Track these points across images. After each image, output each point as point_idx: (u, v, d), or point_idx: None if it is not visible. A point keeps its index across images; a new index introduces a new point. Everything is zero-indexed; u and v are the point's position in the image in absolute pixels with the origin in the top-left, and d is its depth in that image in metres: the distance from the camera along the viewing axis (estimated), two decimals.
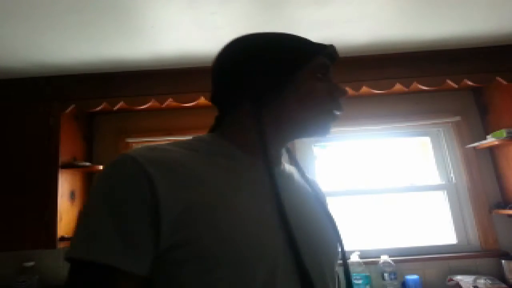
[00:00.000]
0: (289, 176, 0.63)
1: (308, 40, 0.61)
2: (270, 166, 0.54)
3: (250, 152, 0.57)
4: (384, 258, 1.98)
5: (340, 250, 0.61)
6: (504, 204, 2.07)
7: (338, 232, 0.61)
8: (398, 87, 2.00)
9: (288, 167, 0.67)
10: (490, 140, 1.99)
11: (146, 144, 0.55)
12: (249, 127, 0.57)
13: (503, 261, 1.96)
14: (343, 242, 0.61)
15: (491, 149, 2.20)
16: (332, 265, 0.57)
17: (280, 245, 0.47)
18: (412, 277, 1.94)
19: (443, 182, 2.26)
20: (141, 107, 2.03)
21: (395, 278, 1.92)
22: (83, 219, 0.44)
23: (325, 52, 0.60)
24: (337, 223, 0.62)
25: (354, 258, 1.98)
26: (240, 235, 0.45)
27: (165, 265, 0.43)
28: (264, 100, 0.56)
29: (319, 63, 0.59)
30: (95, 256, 0.41)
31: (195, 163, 0.50)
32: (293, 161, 0.69)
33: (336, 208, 2.25)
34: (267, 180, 0.53)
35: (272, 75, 0.56)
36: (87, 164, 2.04)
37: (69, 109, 1.98)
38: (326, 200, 0.72)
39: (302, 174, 0.67)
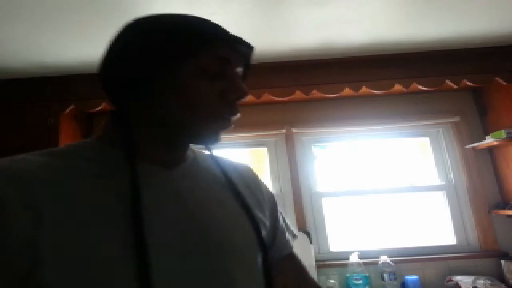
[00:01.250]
0: (195, 175, 0.55)
1: (209, 26, 0.50)
2: (132, 178, 0.45)
3: (119, 156, 0.49)
4: (383, 258, 1.98)
5: (259, 245, 0.53)
6: (503, 205, 2.07)
7: (256, 226, 0.54)
8: (397, 87, 2.00)
9: (206, 161, 0.59)
10: (489, 141, 1.99)
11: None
12: (118, 125, 0.51)
13: (502, 261, 1.97)
14: (261, 236, 0.54)
15: (490, 149, 2.21)
16: (250, 264, 0.51)
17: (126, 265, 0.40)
18: (411, 278, 1.94)
19: (443, 183, 2.26)
20: None
21: (395, 279, 1.92)
22: None
23: (221, 42, 0.49)
24: (253, 217, 0.54)
25: (353, 258, 1.98)
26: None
27: None
28: (141, 94, 0.49)
29: (211, 56, 0.49)
30: None
31: (57, 179, 0.43)
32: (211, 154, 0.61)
33: (335, 209, 2.25)
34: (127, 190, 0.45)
35: (147, 68, 0.47)
36: None
37: (69, 109, 1.98)
38: (269, 196, 0.65)
39: (218, 166, 0.59)
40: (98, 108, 2.01)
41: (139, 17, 0.52)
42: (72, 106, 1.98)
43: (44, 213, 0.39)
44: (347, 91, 2.01)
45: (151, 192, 0.47)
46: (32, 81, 2.03)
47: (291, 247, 0.67)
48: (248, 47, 0.53)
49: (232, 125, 0.52)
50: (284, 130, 2.27)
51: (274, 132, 2.28)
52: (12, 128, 1.95)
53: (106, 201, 0.43)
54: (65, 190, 0.42)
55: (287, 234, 0.67)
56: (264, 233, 0.56)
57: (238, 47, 0.52)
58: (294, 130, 2.28)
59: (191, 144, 0.57)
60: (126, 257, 0.40)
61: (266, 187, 0.67)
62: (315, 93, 2.02)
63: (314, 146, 2.36)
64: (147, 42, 0.48)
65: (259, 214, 0.59)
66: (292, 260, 0.66)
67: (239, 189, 0.57)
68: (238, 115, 0.52)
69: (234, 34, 0.50)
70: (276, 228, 0.64)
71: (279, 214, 0.67)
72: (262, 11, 1.55)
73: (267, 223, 0.61)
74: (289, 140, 2.31)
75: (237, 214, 0.54)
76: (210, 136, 0.51)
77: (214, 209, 0.52)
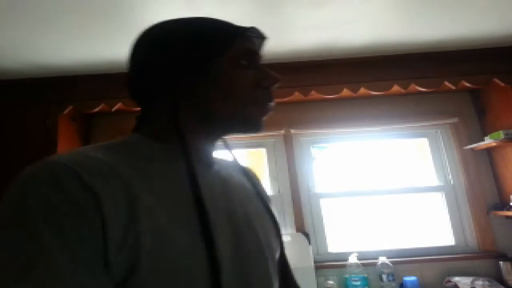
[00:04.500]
0: (225, 177, 0.57)
1: (228, 23, 0.54)
2: (192, 172, 0.46)
3: (173, 152, 0.50)
4: (382, 259, 1.98)
5: (280, 250, 0.58)
6: (502, 206, 2.07)
7: (279, 233, 0.58)
8: (396, 88, 2.01)
9: (226, 165, 0.61)
10: (488, 142, 2.00)
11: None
12: (167, 124, 0.51)
13: (501, 262, 1.97)
14: (283, 243, 0.58)
15: (488, 150, 2.21)
16: (266, 274, 0.52)
17: (203, 270, 0.41)
18: (410, 279, 1.94)
19: (441, 184, 2.26)
20: (140, 108, 2.03)
21: (393, 280, 1.92)
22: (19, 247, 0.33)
23: (246, 35, 0.53)
24: (278, 223, 0.59)
25: (352, 259, 1.98)
26: (171, 266, 0.39)
27: None
28: (180, 93, 0.50)
29: (241, 48, 0.52)
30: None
31: (129, 171, 0.43)
32: (231, 158, 0.63)
33: (334, 210, 2.25)
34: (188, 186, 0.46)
35: (185, 65, 0.50)
36: None
37: (67, 110, 1.98)
38: (268, 198, 0.67)
39: (242, 172, 0.62)
40: (96, 109, 2.00)
41: (163, 21, 0.55)
42: (70, 107, 1.98)
43: (137, 205, 0.39)
44: (345, 92, 2.01)
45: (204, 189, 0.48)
46: (30, 82, 2.03)
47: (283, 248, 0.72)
48: (262, 38, 0.57)
49: (272, 111, 0.55)
50: (282, 131, 2.27)
51: (272, 133, 2.28)
52: (11, 128, 1.95)
53: (177, 201, 0.44)
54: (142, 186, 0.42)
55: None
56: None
57: (257, 39, 0.56)
58: (292, 131, 2.28)
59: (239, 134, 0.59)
60: (198, 257, 0.41)
61: (266, 193, 0.70)
62: (314, 94, 2.03)
63: (313, 147, 2.36)
64: (183, 44, 0.51)
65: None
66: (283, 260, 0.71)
67: (265, 197, 0.60)
68: (275, 101, 0.55)
69: (250, 26, 0.54)
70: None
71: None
72: (260, 12, 1.56)
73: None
74: (287, 141, 2.31)
75: (266, 218, 0.57)
76: (254, 122, 0.53)
77: (251, 210, 0.55)
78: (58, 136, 1.95)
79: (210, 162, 0.55)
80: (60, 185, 0.36)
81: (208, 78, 0.50)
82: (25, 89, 2.02)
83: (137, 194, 0.40)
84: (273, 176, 2.27)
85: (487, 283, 1.84)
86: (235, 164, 0.63)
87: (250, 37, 0.54)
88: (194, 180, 0.46)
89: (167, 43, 0.51)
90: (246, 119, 0.52)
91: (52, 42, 1.69)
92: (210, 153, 0.56)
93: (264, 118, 0.54)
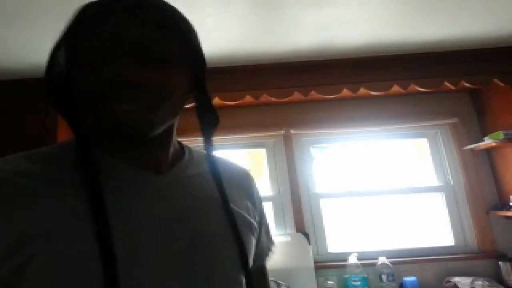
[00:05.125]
0: (183, 181, 0.53)
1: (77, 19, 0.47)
2: (89, 177, 0.43)
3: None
4: (382, 259, 1.98)
5: (241, 258, 0.51)
6: (501, 206, 2.08)
7: (240, 240, 0.51)
8: (395, 88, 2.01)
9: (196, 165, 0.57)
10: (487, 142, 2.00)
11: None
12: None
13: (500, 262, 1.97)
14: (244, 250, 0.51)
15: (488, 150, 2.21)
16: (234, 281, 0.50)
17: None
18: (409, 279, 1.94)
19: (441, 184, 2.26)
20: None
21: (393, 280, 1.92)
22: None
23: (79, 32, 0.45)
24: (238, 230, 0.51)
25: (352, 259, 1.98)
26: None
27: None
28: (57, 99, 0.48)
29: (82, 46, 0.45)
30: None
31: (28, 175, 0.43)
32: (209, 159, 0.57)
33: (334, 210, 2.25)
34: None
35: (61, 69, 0.46)
36: None
37: None
38: (248, 192, 0.62)
39: (211, 171, 0.56)
40: None
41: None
42: None
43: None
44: (345, 92, 2.01)
45: (136, 198, 0.46)
46: (30, 82, 2.02)
47: (264, 259, 0.67)
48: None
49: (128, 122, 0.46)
50: (282, 131, 2.27)
51: (272, 133, 2.28)
52: (10, 129, 1.94)
53: (68, 206, 0.42)
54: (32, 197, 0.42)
55: (265, 244, 0.66)
56: (251, 247, 0.56)
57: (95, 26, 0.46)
58: (292, 131, 2.28)
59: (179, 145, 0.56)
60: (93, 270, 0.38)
61: (259, 195, 0.66)
62: (314, 94, 2.02)
63: (313, 147, 2.36)
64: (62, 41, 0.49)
65: (249, 219, 0.58)
66: (260, 272, 0.66)
67: (229, 202, 0.53)
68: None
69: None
70: (259, 238, 0.63)
71: (264, 224, 0.66)
72: (260, 12, 1.55)
73: (257, 229, 0.61)
74: (287, 141, 2.31)
75: (225, 229, 0.51)
76: (119, 129, 0.45)
77: (202, 220, 0.50)
78: (58, 136, 1.95)
79: (157, 167, 0.51)
80: None
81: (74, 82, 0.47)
82: (25, 89, 2.02)
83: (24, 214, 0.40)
84: (273, 177, 2.27)
85: (486, 283, 1.84)
86: (211, 164, 0.57)
87: (84, 32, 0.46)
88: (94, 194, 0.42)
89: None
90: (108, 125, 0.46)
91: (52, 43, 1.68)
92: (148, 156, 0.51)
93: (123, 126, 0.47)
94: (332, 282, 1.96)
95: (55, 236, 0.39)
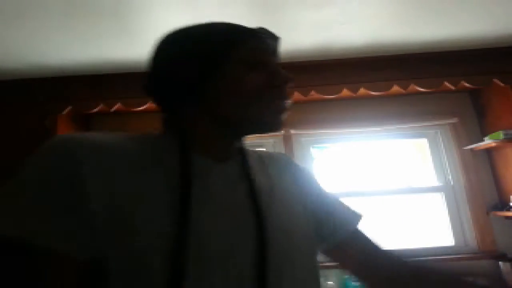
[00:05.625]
0: (241, 170, 0.56)
1: (238, 26, 0.55)
2: (187, 169, 0.48)
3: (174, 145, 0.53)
4: None
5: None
6: (502, 206, 2.07)
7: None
8: (395, 89, 2.01)
9: (253, 161, 0.60)
10: (487, 142, 2.00)
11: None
12: (180, 123, 0.54)
13: (500, 262, 1.96)
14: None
15: (488, 151, 2.21)
16: (306, 258, 0.53)
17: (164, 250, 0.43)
18: None
19: (441, 184, 2.26)
20: (138, 109, 2.03)
21: None
22: (6, 193, 0.40)
23: (252, 36, 0.54)
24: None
25: None
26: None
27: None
28: (194, 98, 0.52)
29: (249, 49, 0.53)
30: (27, 233, 0.36)
31: (136, 153, 0.47)
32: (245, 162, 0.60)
33: None
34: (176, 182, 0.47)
35: (194, 71, 0.51)
36: None
37: (66, 110, 1.97)
38: (309, 181, 0.67)
39: (262, 165, 0.61)
40: (95, 110, 2.00)
41: (174, 30, 0.57)
42: (69, 107, 1.98)
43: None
44: (345, 92, 2.01)
45: (203, 183, 0.49)
46: (30, 82, 2.03)
47: (353, 224, 0.68)
48: (273, 38, 0.57)
49: (287, 110, 0.55)
50: (282, 131, 2.27)
51: (272, 133, 2.27)
52: (10, 129, 1.94)
53: (156, 188, 0.45)
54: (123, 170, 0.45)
55: (346, 211, 0.70)
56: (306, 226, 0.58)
57: (265, 38, 0.56)
58: (292, 131, 2.27)
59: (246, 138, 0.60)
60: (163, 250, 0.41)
61: (307, 174, 0.69)
62: (314, 94, 2.02)
63: (313, 147, 2.36)
64: (190, 49, 0.53)
65: (299, 209, 0.60)
66: (356, 235, 0.67)
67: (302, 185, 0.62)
68: (290, 100, 0.56)
69: (257, 27, 0.56)
70: (327, 211, 0.65)
71: (325, 195, 0.69)
72: (260, 13, 1.55)
73: (310, 215, 0.62)
74: (287, 141, 2.31)
75: (300, 218, 0.57)
76: (268, 122, 0.53)
77: (267, 205, 0.53)
78: None
79: (225, 157, 0.55)
80: (51, 151, 0.44)
81: (220, 81, 0.51)
82: (24, 89, 2.02)
83: (122, 178, 0.44)
84: None
85: (486, 283, 1.83)
86: (261, 158, 0.63)
87: (259, 38, 0.54)
88: (183, 168, 0.47)
89: (177, 52, 0.53)
90: (259, 120, 0.52)
91: (51, 43, 1.68)
92: (228, 150, 0.56)
93: (281, 117, 0.54)
94: (331, 283, 1.96)
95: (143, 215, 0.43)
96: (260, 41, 0.55)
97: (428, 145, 2.34)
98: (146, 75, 0.57)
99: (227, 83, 0.51)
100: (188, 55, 0.52)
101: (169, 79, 0.53)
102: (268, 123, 0.53)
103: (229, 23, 0.55)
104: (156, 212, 0.43)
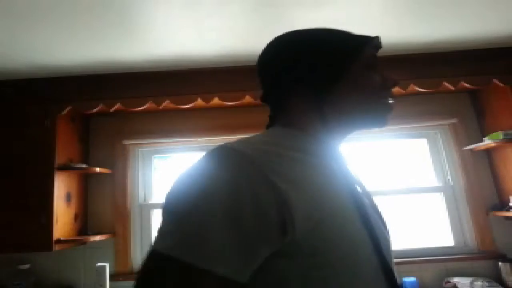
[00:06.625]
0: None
1: (353, 33, 0.63)
2: (342, 160, 0.56)
3: (323, 147, 0.58)
4: None
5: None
6: (501, 206, 2.07)
7: (387, 227, 0.62)
8: (395, 89, 2.01)
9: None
10: (487, 142, 2.00)
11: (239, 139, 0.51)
12: (315, 122, 0.58)
13: (500, 263, 1.97)
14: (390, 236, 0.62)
15: (488, 151, 2.21)
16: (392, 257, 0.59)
17: (369, 244, 0.48)
18: (409, 280, 1.94)
19: (440, 184, 2.26)
20: (138, 109, 2.03)
21: None
22: (192, 218, 0.40)
23: (373, 43, 0.61)
24: (384, 217, 0.63)
25: None
26: (349, 243, 0.46)
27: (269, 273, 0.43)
28: (323, 94, 0.57)
29: (370, 53, 0.60)
30: (210, 264, 0.38)
31: (302, 166, 0.48)
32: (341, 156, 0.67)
33: None
34: (342, 177, 0.53)
35: (329, 68, 0.57)
36: (84, 166, 2.03)
37: (66, 110, 1.97)
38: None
39: (350, 169, 0.66)
40: (94, 110, 2.00)
41: (306, 28, 0.63)
42: (69, 107, 1.98)
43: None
44: None
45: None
46: (29, 82, 2.03)
47: None
48: (380, 47, 0.64)
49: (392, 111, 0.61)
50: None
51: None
52: (9, 129, 1.94)
53: (340, 196, 0.50)
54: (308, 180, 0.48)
55: None
56: None
57: (379, 45, 0.63)
58: None
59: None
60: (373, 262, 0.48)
61: None
62: None
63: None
64: (327, 48, 0.59)
65: None
66: None
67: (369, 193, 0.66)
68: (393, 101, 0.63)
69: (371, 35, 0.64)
70: None
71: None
72: (259, 13, 1.55)
73: None
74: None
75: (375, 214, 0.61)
76: (382, 117, 0.60)
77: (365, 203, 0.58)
78: (57, 136, 1.95)
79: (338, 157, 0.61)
80: (242, 173, 0.43)
81: (346, 78, 0.58)
82: (24, 89, 2.02)
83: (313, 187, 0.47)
84: None
85: (486, 283, 1.84)
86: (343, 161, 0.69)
87: (376, 45, 0.62)
88: (350, 177, 0.53)
89: (310, 50, 0.58)
90: (376, 115, 0.60)
91: (50, 43, 1.68)
92: (338, 148, 0.63)
93: (389, 115, 0.61)
94: None
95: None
96: (376, 47, 0.62)
97: (427, 145, 2.34)
98: (267, 69, 0.62)
99: (353, 80, 0.58)
100: (326, 52, 0.58)
101: (303, 74, 0.57)
102: (380, 118, 0.60)
103: (347, 31, 0.63)
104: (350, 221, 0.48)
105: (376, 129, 2.29)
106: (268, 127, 0.65)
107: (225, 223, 0.40)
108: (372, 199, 0.63)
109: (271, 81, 0.61)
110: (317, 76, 0.57)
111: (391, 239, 0.60)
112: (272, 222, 0.41)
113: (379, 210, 0.63)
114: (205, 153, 0.47)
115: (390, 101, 0.61)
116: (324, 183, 0.48)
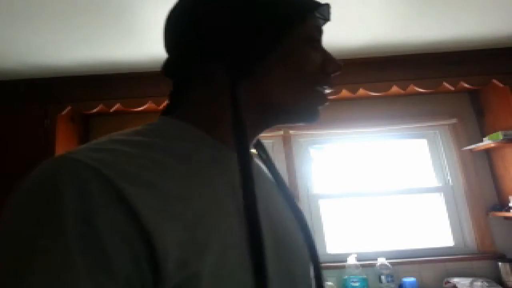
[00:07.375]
0: (259, 171, 0.51)
1: None
2: (247, 164, 0.39)
3: (222, 139, 0.44)
4: (381, 260, 1.98)
5: (311, 254, 0.49)
6: (501, 207, 2.07)
7: (309, 234, 0.49)
8: (394, 89, 2.01)
9: (255, 159, 0.54)
10: (487, 143, 2.00)
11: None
12: (223, 105, 0.42)
13: (499, 263, 1.96)
14: (314, 245, 0.49)
15: (487, 151, 2.21)
16: (306, 272, 0.47)
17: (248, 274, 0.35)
18: (409, 280, 1.94)
19: (440, 185, 2.26)
20: (138, 109, 2.03)
21: (392, 281, 1.92)
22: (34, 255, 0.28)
23: (320, 10, 0.46)
24: (307, 224, 0.50)
25: (351, 260, 1.98)
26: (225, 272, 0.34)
27: None
28: (243, 69, 0.41)
29: (314, 25, 0.45)
30: None
31: (166, 170, 0.35)
32: (265, 153, 0.55)
33: (333, 211, 2.24)
34: (237, 183, 0.39)
35: (254, 37, 0.41)
36: None
37: (65, 111, 1.97)
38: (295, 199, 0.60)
39: (273, 169, 0.54)
40: (95, 110, 2.00)
41: None
42: (69, 108, 1.98)
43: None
44: (344, 93, 2.01)
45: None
46: (29, 82, 2.03)
47: None
48: (328, 20, 0.49)
49: (327, 103, 0.49)
50: (281, 131, 2.27)
51: (271, 134, 2.27)
52: (9, 129, 1.94)
53: (218, 200, 0.37)
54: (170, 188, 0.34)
55: None
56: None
57: (326, 16, 0.48)
58: (291, 132, 2.27)
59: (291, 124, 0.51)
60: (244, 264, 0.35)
61: None
62: None
63: (312, 147, 2.36)
64: (257, 8, 0.42)
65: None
66: None
67: (292, 197, 0.52)
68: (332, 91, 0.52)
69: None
70: None
71: None
72: None
73: None
74: (286, 141, 2.31)
75: (293, 222, 0.49)
76: (314, 111, 0.47)
77: (279, 212, 0.47)
78: (57, 136, 1.95)
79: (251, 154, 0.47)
80: (78, 188, 0.30)
81: (276, 53, 0.42)
82: (24, 89, 2.02)
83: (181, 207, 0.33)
84: None
85: (485, 284, 1.83)
86: (267, 161, 0.56)
87: (322, 15, 0.47)
88: (250, 194, 0.37)
89: (235, 7, 0.42)
90: (307, 106, 0.46)
91: (50, 43, 1.68)
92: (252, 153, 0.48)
93: (320, 108, 0.48)
94: (331, 283, 1.95)
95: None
96: (324, 18, 0.48)
97: (427, 145, 2.34)
98: (172, 29, 0.46)
99: (287, 58, 0.43)
100: (255, 13, 0.42)
101: (220, 38, 0.41)
102: (312, 110, 0.47)
103: None
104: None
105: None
106: (163, 113, 0.47)
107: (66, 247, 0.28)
108: (302, 218, 0.50)
109: (171, 52, 0.46)
110: (236, 49, 0.41)
111: (305, 256, 0.47)
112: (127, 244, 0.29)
113: (300, 218, 0.50)
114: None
115: (327, 91, 0.48)
116: (212, 209, 0.35)
